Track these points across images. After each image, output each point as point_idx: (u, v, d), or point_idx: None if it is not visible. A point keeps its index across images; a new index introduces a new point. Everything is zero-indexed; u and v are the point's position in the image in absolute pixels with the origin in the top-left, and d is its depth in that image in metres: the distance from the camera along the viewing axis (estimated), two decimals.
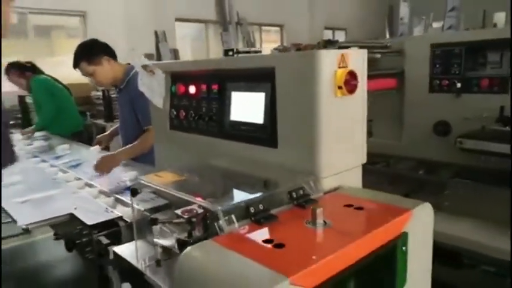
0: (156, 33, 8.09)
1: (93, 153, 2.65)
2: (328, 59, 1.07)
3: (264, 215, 0.91)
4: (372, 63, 2.64)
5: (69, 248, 1.56)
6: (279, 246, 0.78)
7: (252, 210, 0.90)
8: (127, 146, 2.50)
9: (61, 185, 2.02)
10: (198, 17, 9.16)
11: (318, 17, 11.45)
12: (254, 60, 1.29)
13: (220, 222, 0.85)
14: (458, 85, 2.19)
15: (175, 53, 8.22)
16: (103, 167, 2.26)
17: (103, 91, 5.48)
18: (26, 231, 1.57)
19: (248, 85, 1.29)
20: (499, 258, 1.79)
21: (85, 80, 6.92)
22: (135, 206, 1.26)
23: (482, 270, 2.16)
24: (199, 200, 0.95)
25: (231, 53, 1.44)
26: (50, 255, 2.99)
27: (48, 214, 1.62)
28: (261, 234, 0.84)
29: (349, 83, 1.09)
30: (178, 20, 8.67)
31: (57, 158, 2.62)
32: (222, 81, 1.39)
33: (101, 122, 5.58)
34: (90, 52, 2.55)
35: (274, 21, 10.73)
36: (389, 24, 11.58)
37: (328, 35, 12.06)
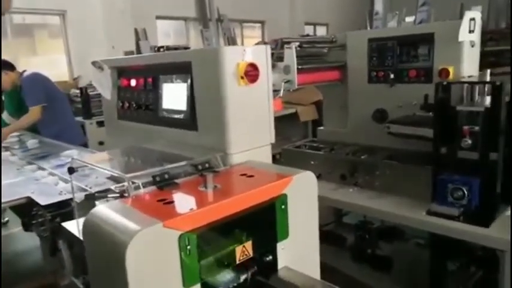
0: (136, 30, 8.23)
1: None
2: (231, 54, 1.27)
3: (167, 182, 1.11)
4: (320, 57, 2.86)
5: (26, 228, 1.74)
6: (169, 203, 0.99)
7: (157, 179, 1.11)
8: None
9: (24, 174, 2.20)
10: (179, 14, 9.31)
11: (299, 13, 11.63)
12: (177, 56, 1.50)
13: (126, 186, 1.05)
14: (392, 76, 2.41)
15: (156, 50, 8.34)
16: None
17: (81, 89, 5.62)
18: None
19: (175, 77, 1.49)
20: (422, 230, 2.02)
21: (64, 78, 7.06)
22: (75, 183, 1.45)
23: (414, 243, 2.40)
24: (116, 172, 1.15)
25: (162, 49, 1.64)
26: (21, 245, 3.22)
27: (8, 198, 1.80)
28: (158, 196, 1.04)
29: (250, 73, 1.29)
30: (158, 17, 8.83)
31: (26, 151, 2.79)
32: (155, 74, 1.59)
33: (79, 119, 5.71)
34: None
35: (256, 17, 10.89)
36: (370, 19, 11.79)
37: (309, 30, 12.25)
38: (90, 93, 5.49)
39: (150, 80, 1.61)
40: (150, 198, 1.04)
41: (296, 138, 4.01)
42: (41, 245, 1.96)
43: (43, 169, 2.29)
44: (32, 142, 3.02)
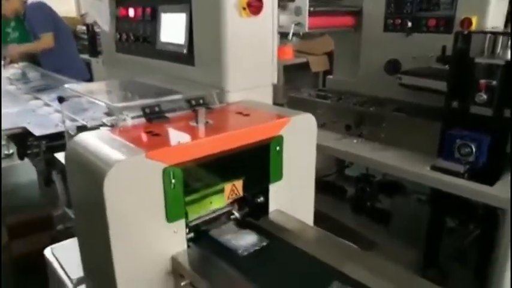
0: None
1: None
2: None
3: (157, 115, 1.05)
4: (334, 1, 2.69)
5: (21, 157, 1.73)
6: (156, 135, 0.93)
7: (147, 111, 1.04)
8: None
9: (22, 105, 2.16)
10: None
11: None
12: None
13: (114, 117, 0.99)
14: (409, 24, 2.26)
15: None
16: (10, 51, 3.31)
17: (87, 25, 5.46)
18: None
19: (174, 7, 1.39)
20: (424, 185, 1.98)
21: (71, 14, 6.85)
22: (71, 116, 1.40)
23: (414, 198, 2.37)
24: (105, 101, 1.09)
25: None
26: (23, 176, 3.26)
27: (5, 126, 1.77)
28: (146, 129, 0.98)
29: (252, 4, 1.18)
30: None
31: (27, 83, 2.74)
32: (154, 3, 1.48)
33: (85, 57, 5.60)
34: None
35: None
36: None
37: None
38: (97, 30, 5.34)
39: (148, 9, 1.50)
40: (137, 129, 0.98)
41: (306, 89, 3.91)
42: (37, 176, 1.97)
43: (42, 101, 2.25)
44: (34, 74, 2.97)
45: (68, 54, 3.58)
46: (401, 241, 2.23)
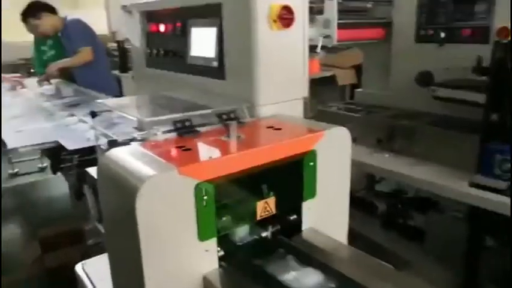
0: None
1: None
2: None
3: (188, 130, 1.03)
4: (363, 12, 2.66)
5: (54, 171, 1.76)
6: (187, 150, 0.91)
7: (178, 125, 1.03)
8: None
9: (56, 120, 2.21)
10: None
11: None
12: None
13: (145, 131, 0.99)
14: (443, 35, 2.19)
15: None
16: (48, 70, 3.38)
17: (117, 42, 5.61)
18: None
19: (204, 21, 1.39)
20: (463, 203, 1.88)
21: (103, 31, 7.06)
22: (103, 131, 1.41)
23: (450, 215, 2.26)
24: (135, 115, 1.08)
25: None
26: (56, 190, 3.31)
27: (37, 141, 1.81)
28: (177, 143, 0.97)
29: (283, 17, 1.17)
30: None
31: (60, 98, 2.81)
32: (184, 18, 1.49)
33: (116, 72, 5.74)
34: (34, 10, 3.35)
35: None
36: None
37: None
38: (127, 46, 5.47)
39: (178, 24, 1.51)
40: (168, 144, 0.97)
41: (332, 103, 3.86)
42: (69, 190, 2.00)
43: (76, 117, 2.30)
44: (67, 90, 3.04)
45: (102, 69, 3.66)
46: (437, 260, 2.13)
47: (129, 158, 0.87)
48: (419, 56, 2.26)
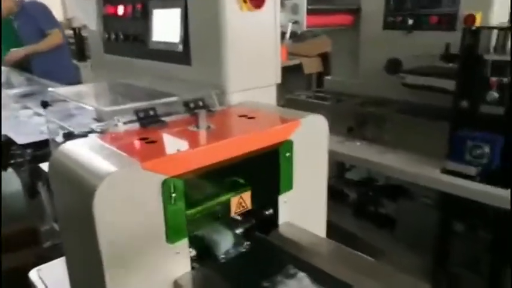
0: None
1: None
2: None
3: (152, 120, 0.94)
4: None
5: (3, 167, 1.60)
6: (151, 142, 0.82)
7: (141, 115, 0.93)
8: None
9: (6, 112, 2.03)
10: None
11: None
12: None
13: (104, 122, 0.88)
14: (410, 22, 2.18)
15: None
16: (11, 57, 3.08)
17: (74, 29, 5.31)
18: None
19: (167, 2, 1.28)
20: (433, 189, 1.88)
21: (58, 18, 6.68)
22: (58, 123, 1.28)
23: (420, 202, 2.28)
24: (92, 105, 0.97)
25: None
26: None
27: None
28: (140, 134, 0.87)
29: None
30: None
31: (11, 88, 2.61)
32: None
33: (74, 62, 5.45)
34: None
35: None
36: None
37: None
38: (85, 34, 5.19)
39: (139, 6, 1.39)
40: (130, 136, 0.87)
41: (299, 92, 3.82)
42: (22, 187, 1.85)
43: (29, 109, 2.12)
44: (18, 79, 2.83)
45: (65, 56, 3.42)
46: (408, 247, 2.14)
47: (86, 152, 0.77)
48: (388, 43, 2.25)
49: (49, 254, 1.36)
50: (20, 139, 1.56)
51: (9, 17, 3.30)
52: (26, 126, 1.78)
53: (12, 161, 1.59)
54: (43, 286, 1.21)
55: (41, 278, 1.24)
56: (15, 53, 3.20)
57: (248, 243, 0.92)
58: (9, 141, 1.65)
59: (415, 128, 1.96)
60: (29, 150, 1.55)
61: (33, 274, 1.26)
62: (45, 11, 3.22)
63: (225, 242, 0.90)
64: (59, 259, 1.27)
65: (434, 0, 2.09)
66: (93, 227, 0.67)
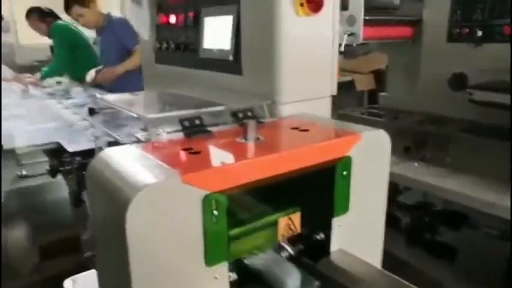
0: None
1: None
2: None
3: (197, 129, 0.87)
4: (390, 10, 2.49)
5: (52, 174, 1.61)
6: (195, 153, 0.75)
7: (186, 124, 0.87)
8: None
9: (61, 120, 2.08)
10: None
11: None
12: None
13: (148, 131, 0.83)
14: (479, 33, 2.00)
15: None
16: (106, 77, 3.09)
17: None
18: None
19: (219, 9, 1.23)
20: (501, 217, 1.68)
21: None
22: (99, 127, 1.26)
23: (484, 232, 2.05)
24: (139, 112, 0.92)
25: None
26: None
27: (38, 141, 1.67)
28: (184, 144, 0.80)
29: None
30: None
31: (69, 98, 2.69)
32: (197, 7, 1.33)
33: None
34: None
35: None
36: None
37: None
38: None
39: (191, 14, 1.35)
40: (172, 145, 0.80)
41: (353, 108, 3.68)
42: (69, 196, 1.87)
43: (85, 120, 2.16)
44: (76, 90, 2.92)
45: (138, 72, 3.42)
46: (472, 282, 1.92)
47: (123, 160, 0.71)
48: (452, 57, 2.08)
49: (88, 263, 1.33)
50: (71, 147, 1.57)
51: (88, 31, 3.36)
52: (80, 135, 1.80)
53: (61, 168, 1.60)
54: None
55: None
56: (109, 72, 3.12)
57: (318, 283, 0.80)
58: (61, 149, 1.67)
59: (482, 150, 1.78)
60: (78, 158, 1.55)
61: (68, 283, 1.23)
62: (130, 27, 3.24)
63: (292, 282, 0.79)
64: (94, 270, 1.23)
65: (507, 9, 1.91)
66: (124, 242, 0.61)
